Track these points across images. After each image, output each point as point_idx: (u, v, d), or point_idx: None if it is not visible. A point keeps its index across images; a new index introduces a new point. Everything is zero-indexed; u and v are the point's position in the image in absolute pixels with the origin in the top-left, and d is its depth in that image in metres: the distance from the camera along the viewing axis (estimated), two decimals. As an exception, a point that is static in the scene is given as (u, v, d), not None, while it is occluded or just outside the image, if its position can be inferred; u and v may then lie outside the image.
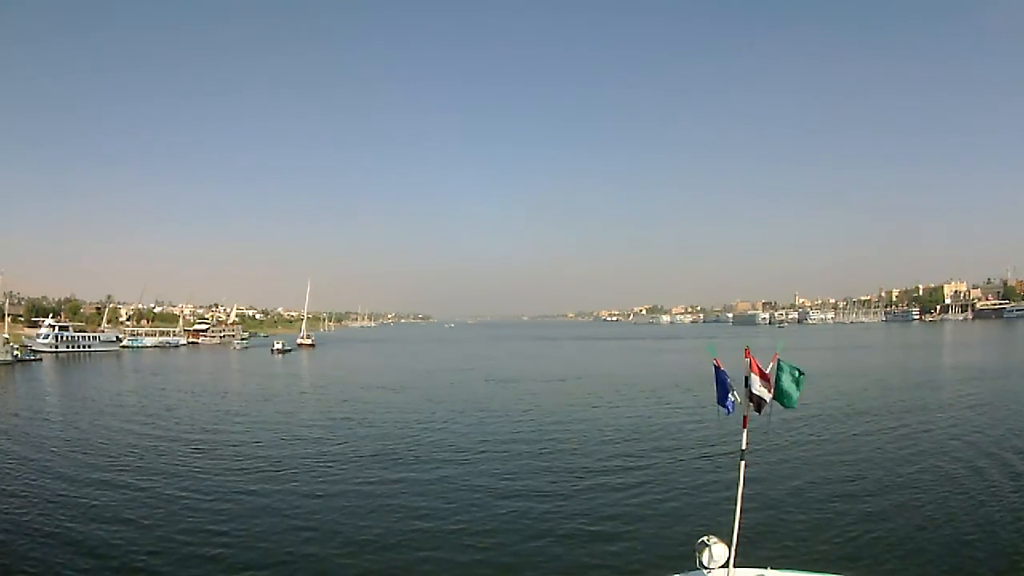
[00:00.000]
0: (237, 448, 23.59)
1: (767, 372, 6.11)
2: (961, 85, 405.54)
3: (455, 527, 14.07)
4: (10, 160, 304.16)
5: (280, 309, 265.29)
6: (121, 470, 20.18)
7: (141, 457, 22.04)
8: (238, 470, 19.91)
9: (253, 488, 17.75)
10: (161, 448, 23.51)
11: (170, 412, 33.42)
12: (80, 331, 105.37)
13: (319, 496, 16.86)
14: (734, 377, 6.29)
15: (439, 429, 26.68)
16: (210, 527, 14.33)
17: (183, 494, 17.12)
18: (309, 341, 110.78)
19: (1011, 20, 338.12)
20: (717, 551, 5.88)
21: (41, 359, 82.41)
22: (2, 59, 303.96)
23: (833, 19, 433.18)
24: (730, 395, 6.24)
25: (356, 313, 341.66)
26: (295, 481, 18.50)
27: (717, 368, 6.32)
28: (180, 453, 22.65)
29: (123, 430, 27.75)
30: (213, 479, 18.87)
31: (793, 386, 6.09)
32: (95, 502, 16.52)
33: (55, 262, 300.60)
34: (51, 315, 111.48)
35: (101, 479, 18.98)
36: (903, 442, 21.92)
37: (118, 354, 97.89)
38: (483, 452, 21.99)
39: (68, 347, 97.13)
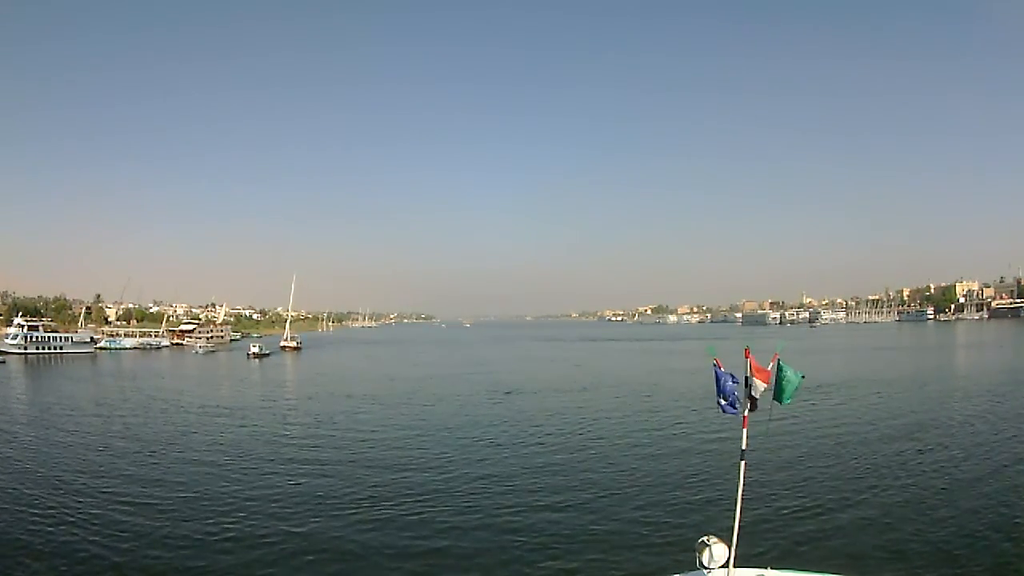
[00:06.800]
0: (177, 484, 17.79)
1: (768, 371, 6.14)
2: (962, 84, 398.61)
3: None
4: (10, 159, 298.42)
5: (279, 309, 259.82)
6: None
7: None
8: (164, 536, 13.35)
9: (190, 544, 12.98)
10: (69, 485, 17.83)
11: (103, 431, 27.17)
12: (51, 331, 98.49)
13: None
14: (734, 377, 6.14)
15: (427, 457, 20.52)
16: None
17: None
18: (294, 344, 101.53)
19: (1017, 18, 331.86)
20: (717, 551, 5.80)
21: (5, 361, 76.09)
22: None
23: (841, 19, 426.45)
24: (729, 395, 6.21)
25: (357, 313, 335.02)
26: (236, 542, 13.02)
27: (717, 368, 6.22)
28: (95, 492, 17.06)
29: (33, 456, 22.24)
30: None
31: (791, 385, 6.10)
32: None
33: (54, 262, 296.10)
34: (30, 314, 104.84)
35: None
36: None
37: (92, 356, 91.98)
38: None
39: (38, 348, 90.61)
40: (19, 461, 21.27)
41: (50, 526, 14.34)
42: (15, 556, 12.54)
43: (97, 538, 13.51)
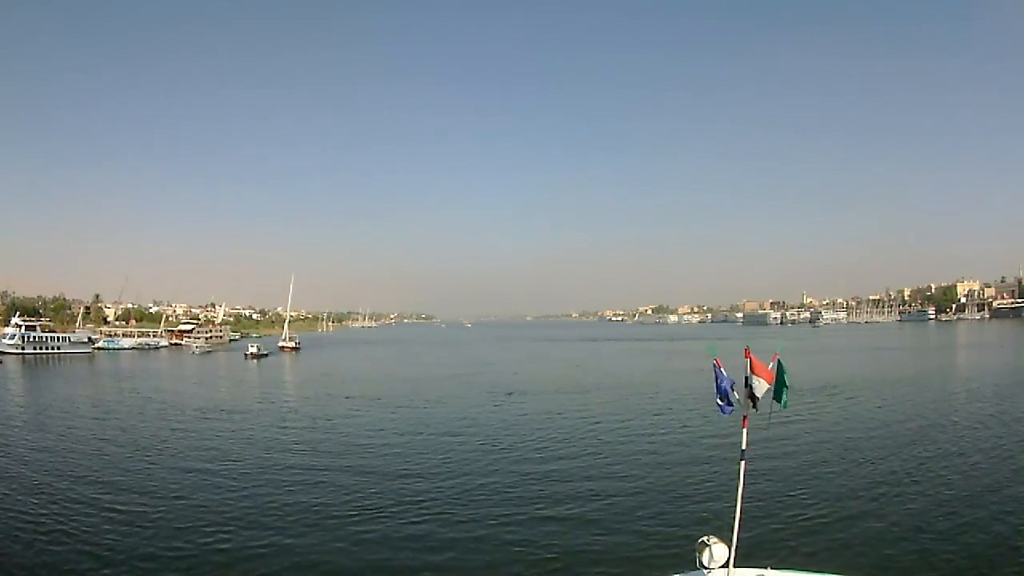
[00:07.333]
0: (169, 491, 17.24)
1: (769, 370, 6.09)
2: (962, 84, 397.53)
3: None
4: (9, 159, 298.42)
5: (279, 309, 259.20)
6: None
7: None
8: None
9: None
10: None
11: (97, 435, 26.61)
12: (49, 331, 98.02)
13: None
14: (734, 377, 6.15)
15: (427, 464, 19.98)
16: None
17: None
18: (292, 344, 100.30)
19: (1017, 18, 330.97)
20: (717, 551, 5.80)
21: (2, 361, 75.86)
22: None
23: (841, 19, 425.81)
24: (730, 395, 6.17)
25: (357, 313, 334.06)
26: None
27: (717, 368, 6.22)
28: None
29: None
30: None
31: (789, 387, 6.12)
32: None
33: (54, 262, 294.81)
34: (28, 314, 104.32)
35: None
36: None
37: (90, 356, 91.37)
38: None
39: (35, 348, 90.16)
40: (11, 466, 20.84)
41: (41, 534, 13.94)
42: None
43: (87, 548, 13.08)
